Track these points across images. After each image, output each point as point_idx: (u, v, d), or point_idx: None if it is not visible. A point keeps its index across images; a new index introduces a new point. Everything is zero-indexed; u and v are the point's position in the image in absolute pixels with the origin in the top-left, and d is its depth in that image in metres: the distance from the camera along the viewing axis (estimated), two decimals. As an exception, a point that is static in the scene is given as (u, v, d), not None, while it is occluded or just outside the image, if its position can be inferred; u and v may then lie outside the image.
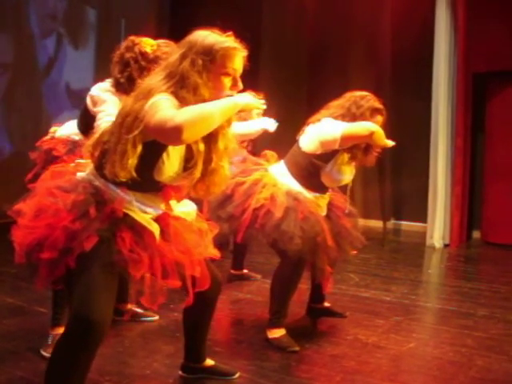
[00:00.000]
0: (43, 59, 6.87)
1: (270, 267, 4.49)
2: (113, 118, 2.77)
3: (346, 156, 3.10)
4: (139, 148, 1.91)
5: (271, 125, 4.01)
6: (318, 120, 3.11)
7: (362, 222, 3.55)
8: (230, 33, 2.08)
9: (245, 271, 4.56)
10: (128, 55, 2.92)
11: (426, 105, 6.75)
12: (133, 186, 2.00)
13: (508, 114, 6.78)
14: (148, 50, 2.94)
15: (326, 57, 7.57)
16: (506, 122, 6.80)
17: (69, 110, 6.96)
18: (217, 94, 2.00)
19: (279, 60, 7.65)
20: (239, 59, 2.05)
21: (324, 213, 3.23)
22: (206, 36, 2.03)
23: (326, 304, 3.67)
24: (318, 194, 3.18)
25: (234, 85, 2.06)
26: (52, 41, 6.88)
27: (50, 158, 3.05)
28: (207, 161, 2.06)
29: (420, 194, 6.97)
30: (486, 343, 3.26)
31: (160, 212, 2.16)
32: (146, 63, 2.92)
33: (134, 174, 1.93)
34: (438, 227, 6.46)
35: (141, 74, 2.90)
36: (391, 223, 7.46)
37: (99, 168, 2.03)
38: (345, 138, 2.95)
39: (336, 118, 3.07)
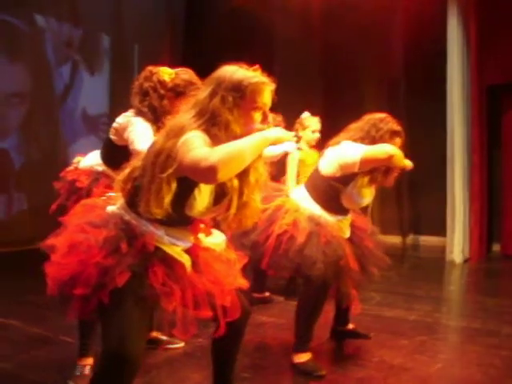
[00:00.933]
0: (59, 86, 7.00)
1: (293, 288, 4.53)
2: (144, 132, 2.85)
3: (365, 178, 3.11)
4: (174, 185, 1.93)
5: (293, 146, 4.05)
6: (338, 143, 3.14)
7: (380, 237, 3.53)
8: (257, 67, 2.12)
9: (267, 294, 4.56)
10: (147, 85, 3.00)
11: (441, 120, 6.75)
12: (164, 220, 2.03)
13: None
14: (166, 78, 3.00)
15: (339, 72, 7.62)
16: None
17: (84, 135, 7.08)
18: (247, 129, 2.02)
19: (292, 76, 7.68)
20: (268, 93, 2.07)
21: (347, 235, 3.25)
22: (234, 71, 2.06)
23: (351, 326, 3.66)
24: (339, 217, 3.19)
25: (263, 119, 2.09)
26: (68, 68, 7.02)
27: (74, 189, 3.10)
28: (239, 195, 2.08)
29: (438, 209, 6.93)
30: (513, 363, 3.25)
31: (189, 244, 2.19)
32: (165, 91, 2.99)
33: (170, 212, 1.96)
34: (457, 242, 6.44)
35: (161, 103, 2.97)
36: (410, 238, 7.45)
37: (131, 204, 2.06)
38: (364, 161, 2.97)
39: (355, 140, 3.09)
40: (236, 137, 1.97)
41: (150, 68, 3.07)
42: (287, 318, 3.99)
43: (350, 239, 3.25)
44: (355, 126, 3.20)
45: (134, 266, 1.98)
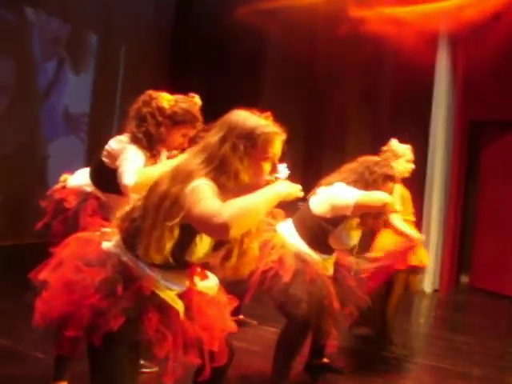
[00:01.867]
0: (43, 82, 6.85)
1: (266, 312, 4.50)
2: (136, 164, 2.79)
3: (355, 221, 3.12)
4: (176, 233, 1.89)
5: (284, 172, 4.03)
6: (331, 183, 3.13)
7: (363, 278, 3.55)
8: (269, 114, 2.09)
9: (241, 317, 4.54)
10: (145, 110, 2.93)
11: (422, 151, 6.84)
12: (161, 264, 1.99)
13: (501, 164, 6.90)
14: (165, 105, 2.95)
15: (324, 104, 7.66)
16: (499, 171, 6.92)
17: (65, 134, 6.96)
18: (256, 180, 2.00)
19: (279, 99, 7.68)
20: (279, 143, 2.04)
21: (330, 273, 3.25)
22: (246, 118, 2.01)
23: (325, 360, 3.67)
24: (325, 256, 3.20)
25: (272, 169, 2.06)
26: (53, 64, 6.87)
27: (61, 209, 3.02)
28: (239, 243, 2.06)
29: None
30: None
31: (184, 288, 2.15)
32: (163, 118, 2.94)
33: (169, 258, 1.92)
34: (428, 272, 6.51)
35: (158, 130, 2.93)
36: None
37: (128, 244, 2.01)
38: (358, 207, 2.98)
39: (348, 183, 3.10)
40: (244, 186, 1.94)
41: (149, 92, 3.01)
42: (261, 344, 4.01)
43: (333, 277, 3.26)
44: (349, 168, 3.21)
45: (128, 310, 1.93)
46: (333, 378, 3.58)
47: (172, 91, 8.23)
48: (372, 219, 3.13)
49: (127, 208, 2.07)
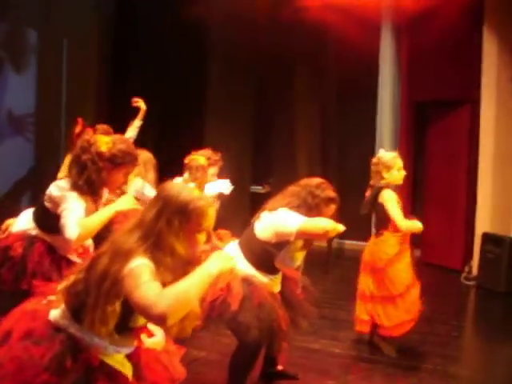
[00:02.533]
0: (-17, 86, 6.65)
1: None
2: (77, 214, 2.82)
3: (299, 242, 3.21)
4: (118, 308, 1.96)
5: (227, 188, 4.09)
6: (275, 209, 3.20)
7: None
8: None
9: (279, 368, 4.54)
10: (85, 157, 2.94)
11: (371, 131, 6.98)
12: (108, 334, 2.05)
13: (446, 141, 7.10)
14: (104, 149, 2.96)
15: (272, 92, 7.67)
16: (444, 148, 7.12)
17: (10, 136, 6.81)
18: (192, 251, 2.08)
19: (224, 98, 7.65)
20: (212, 214, 2.12)
21: (278, 290, 3.36)
22: (179, 192, 2.08)
23: (279, 367, 3.82)
24: (272, 276, 3.29)
25: (208, 239, 2.15)
26: (-8, 66, 6.66)
27: (7, 257, 3.03)
28: None
29: (364, 219, 7.19)
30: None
31: (132, 348, 2.22)
32: (103, 163, 2.95)
33: (113, 331, 2.00)
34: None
35: (99, 175, 2.95)
36: (335, 242, 7.69)
37: (74, 315, 2.07)
38: (300, 234, 3.06)
39: (292, 208, 3.17)
40: (181, 259, 2.02)
41: (86, 138, 3.04)
42: (218, 352, 4.10)
43: (281, 292, 3.37)
44: (292, 191, 3.26)
45: (78, 382, 2.00)
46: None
47: (115, 82, 8.13)
48: (315, 241, 3.23)
49: (70, 281, 2.13)
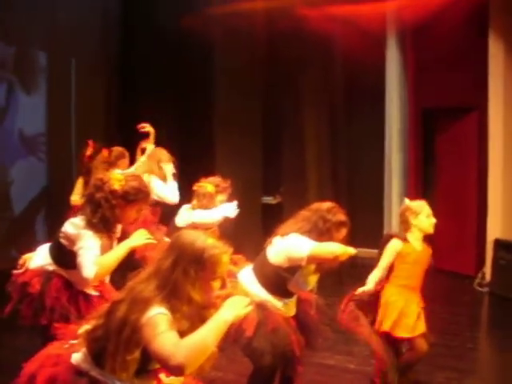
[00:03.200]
0: (-5, 110, 6.74)
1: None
2: (93, 253, 2.89)
3: (311, 267, 3.25)
4: (137, 354, 2.04)
5: (232, 211, 4.16)
6: (286, 234, 3.24)
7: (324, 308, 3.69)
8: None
9: None
10: (98, 195, 3.02)
11: (380, 139, 7.02)
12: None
13: (455, 147, 7.11)
14: (117, 186, 3.03)
15: (280, 103, 7.72)
16: (453, 154, 7.14)
17: (22, 157, 6.91)
18: (208, 298, 2.15)
19: (232, 106, 7.70)
20: (226, 260, 2.19)
21: (293, 313, 3.40)
22: (194, 241, 2.15)
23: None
24: (286, 300, 3.33)
25: (222, 286, 2.22)
26: (2, 89, 6.75)
27: (26, 293, 3.11)
28: None
29: (376, 223, 7.23)
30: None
31: None
32: (116, 201, 3.02)
33: (133, 375, 2.09)
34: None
35: (112, 213, 3.02)
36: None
37: (95, 359, 2.15)
38: (311, 258, 3.11)
39: (303, 233, 3.21)
40: (197, 306, 2.10)
41: (100, 177, 3.13)
42: (234, 371, 4.13)
43: (295, 314, 3.41)
44: (304, 216, 3.31)
45: None
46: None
47: (123, 100, 8.16)
48: (327, 264, 3.27)
49: (90, 326, 2.22)
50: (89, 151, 5.51)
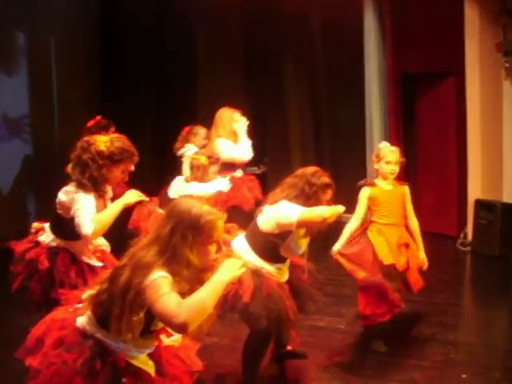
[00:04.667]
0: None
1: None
2: (89, 211, 3.01)
3: (301, 231, 3.40)
4: (141, 315, 2.19)
5: (226, 186, 4.28)
6: (275, 201, 3.38)
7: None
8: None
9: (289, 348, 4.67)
10: (85, 156, 3.14)
11: (360, 104, 7.13)
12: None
13: (435, 112, 7.25)
14: (103, 147, 3.14)
15: (260, 59, 7.78)
16: (433, 119, 7.28)
17: (7, 139, 6.92)
18: (205, 261, 2.30)
19: (214, 65, 7.76)
20: (221, 226, 2.34)
21: (286, 278, 3.56)
22: (190, 208, 2.29)
23: (289, 347, 4.04)
24: (279, 265, 3.48)
25: (218, 249, 2.37)
26: (-16, 72, 6.73)
27: (35, 269, 3.25)
28: None
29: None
30: (430, 374, 3.73)
31: (153, 347, 2.44)
32: (103, 161, 3.13)
33: (138, 335, 2.22)
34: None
35: (100, 172, 3.15)
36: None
37: (100, 322, 2.29)
38: (300, 223, 3.26)
39: (291, 200, 3.35)
40: (195, 269, 2.25)
41: (86, 139, 3.23)
42: (230, 337, 4.27)
43: (288, 280, 3.57)
44: (289, 183, 3.44)
45: (107, 382, 2.23)
46: (298, 364, 3.94)
47: (104, 77, 8.18)
48: (316, 227, 3.42)
49: (94, 291, 2.35)
50: (90, 123, 5.56)
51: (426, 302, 4.96)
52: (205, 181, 4.53)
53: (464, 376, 3.69)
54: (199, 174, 4.57)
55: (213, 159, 4.66)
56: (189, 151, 5.48)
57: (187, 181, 4.67)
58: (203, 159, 4.58)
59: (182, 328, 2.08)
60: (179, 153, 5.69)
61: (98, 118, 5.60)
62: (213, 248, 2.33)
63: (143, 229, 4.65)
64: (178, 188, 4.70)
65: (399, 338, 4.27)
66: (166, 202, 4.15)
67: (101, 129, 5.48)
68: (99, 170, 3.13)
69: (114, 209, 3.15)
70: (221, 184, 4.43)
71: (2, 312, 4.85)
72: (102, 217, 3.08)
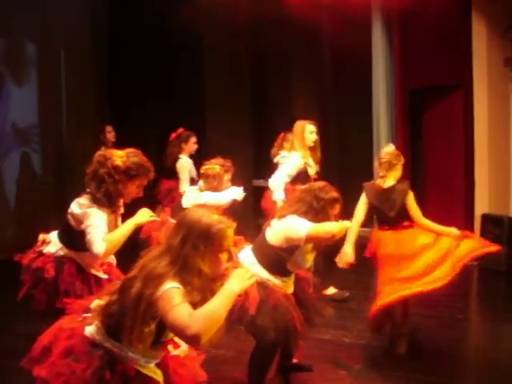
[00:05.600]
0: (-14, 103, 6.77)
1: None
2: (101, 230, 3.02)
3: (309, 246, 3.40)
4: (153, 327, 2.19)
5: (240, 194, 4.29)
6: (284, 216, 3.38)
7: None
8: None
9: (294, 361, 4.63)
10: (102, 171, 3.14)
11: (368, 121, 7.15)
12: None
13: (442, 126, 7.26)
14: (119, 163, 3.14)
15: (268, 76, 7.81)
16: (440, 133, 7.29)
17: (15, 149, 6.97)
18: (216, 270, 2.31)
19: (221, 79, 7.79)
20: (231, 233, 2.35)
21: (291, 291, 3.55)
22: (200, 217, 2.31)
23: (295, 360, 4.02)
24: (285, 278, 3.48)
25: (229, 258, 2.38)
26: (-7, 82, 6.79)
27: (41, 278, 3.25)
28: None
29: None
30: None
31: (161, 357, 2.45)
32: (119, 176, 3.14)
33: (149, 346, 2.23)
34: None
35: (116, 187, 3.15)
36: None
37: (109, 332, 2.29)
38: (309, 239, 3.27)
39: (300, 215, 3.35)
40: (207, 278, 2.26)
41: (102, 153, 3.23)
42: (236, 349, 4.27)
43: (294, 292, 3.57)
44: (298, 198, 3.46)
45: None
46: (304, 377, 3.91)
47: (113, 89, 8.24)
48: (324, 243, 3.43)
49: (103, 302, 2.36)
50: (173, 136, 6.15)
51: (433, 316, 4.96)
52: (219, 190, 4.53)
53: (471, 391, 3.67)
54: (215, 183, 4.55)
55: (225, 167, 4.63)
56: (282, 158, 5.76)
57: (201, 190, 4.65)
58: (218, 168, 4.56)
59: (194, 339, 2.07)
60: (275, 160, 5.98)
61: (181, 130, 6.18)
62: (224, 257, 2.35)
63: (155, 238, 4.67)
64: (191, 197, 4.68)
65: (405, 353, 4.25)
66: (179, 211, 4.15)
67: (182, 141, 6.07)
68: (115, 185, 3.14)
69: (125, 228, 3.16)
70: (235, 193, 4.42)
71: (7, 321, 4.87)
72: (113, 237, 3.11)
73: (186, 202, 4.70)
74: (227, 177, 4.66)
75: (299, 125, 5.46)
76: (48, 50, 7.38)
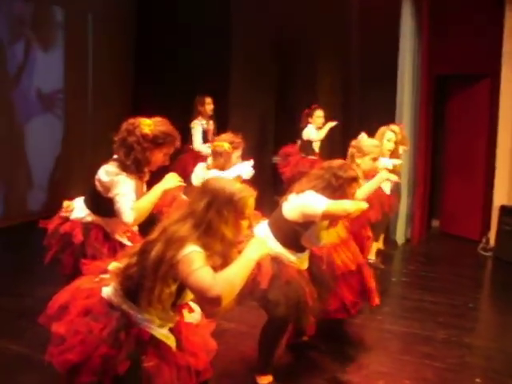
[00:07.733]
0: (12, 67, 6.77)
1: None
2: (130, 198, 3.08)
3: (324, 223, 3.41)
4: (173, 288, 2.27)
5: (247, 171, 4.30)
6: (302, 191, 3.40)
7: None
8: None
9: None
10: (130, 139, 3.18)
11: (391, 106, 7.08)
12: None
13: (465, 114, 7.18)
14: (147, 131, 3.18)
15: (295, 64, 7.79)
16: (463, 121, 7.21)
17: (40, 113, 7.02)
18: (238, 236, 2.40)
19: (247, 60, 7.77)
20: (252, 203, 2.43)
21: (305, 267, 3.58)
22: (224, 186, 2.39)
23: (305, 338, 4.07)
24: (299, 254, 3.50)
25: (249, 226, 2.47)
26: (21, 46, 6.79)
27: (69, 242, 3.31)
28: None
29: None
30: (443, 375, 3.73)
31: (175, 322, 2.50)
32: (147, 144, 3.18)
33: (169, 307, 2.30)
34: (400, 224, 6.91)
35: (144, 155, 3.20)
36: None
37: (127, 294, 2.35)
38: (325, 216, 3.27)
39: (318, 191, 3.37)
40: (230, 244, 2.34)
41: (131, 121, 3.25)
42: (247, 323, 4.31)
43: (308, 269, 3.59)
44: (317, 175, 3.46)
45: (131, 354, 2.29)
46: (313, 356, 3.97)
47: (139, 60, 8.27)
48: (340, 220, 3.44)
49: (122, 264, 2.41)
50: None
51: (444, 303, 4.97)
52: (226, 168, 4.52)
53: (478, 380, 3.68)
54: (221, 160, 4.55)
55: (235, 144, 4.61)
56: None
57: (208, 168, 4.66)
58: (226, 146, 4.54)
59: (216, 301, 2.13)
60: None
61: (314, 106, 6.86)
62: (245, 223, 2.42)
63: (166, 214, 4.70)
64: (199, 175, 4.71)
65: (414, 338, 4.28)
66: (189, 188, 4.17)
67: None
68: (143, 152, 3.18)
69: (153, 195, 3.21)
70: (241, 169, 4.42)
71: (25, 284, 4.97)
72: (142, 205, 3.16)
73: (195, 179, 4.74)
74: (237, 153, 4.63)
75: (380, 130, 5.70)
76: (75, 15, 7.37)
